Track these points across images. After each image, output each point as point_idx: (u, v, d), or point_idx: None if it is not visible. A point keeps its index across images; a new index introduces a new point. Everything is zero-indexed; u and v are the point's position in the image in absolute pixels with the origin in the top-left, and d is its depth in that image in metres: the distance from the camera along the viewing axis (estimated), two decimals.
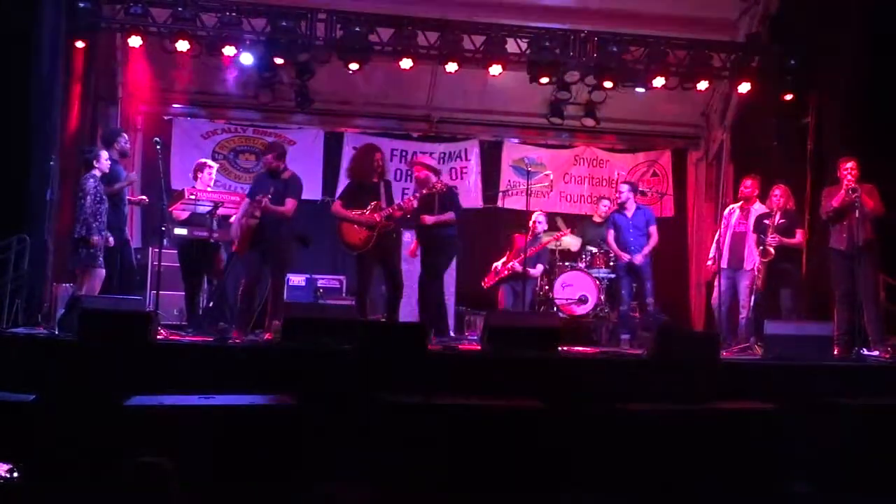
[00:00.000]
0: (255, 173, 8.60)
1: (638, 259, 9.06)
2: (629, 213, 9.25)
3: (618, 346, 8.78)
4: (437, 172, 8.40)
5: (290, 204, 7.78)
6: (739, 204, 8.71)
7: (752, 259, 8.38)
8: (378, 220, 7.55)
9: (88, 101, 9.08)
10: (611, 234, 9.33)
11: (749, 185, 8.70)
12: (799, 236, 8.25)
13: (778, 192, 8.30)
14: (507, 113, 11.25)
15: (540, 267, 9.51)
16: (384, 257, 7.75)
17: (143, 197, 8.13)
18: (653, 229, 9.27)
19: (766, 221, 8.19)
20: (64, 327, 6.70)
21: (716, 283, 8.71)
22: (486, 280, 9.82)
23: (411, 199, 7.85)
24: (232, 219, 8.03)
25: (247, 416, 5.06)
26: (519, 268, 9.12)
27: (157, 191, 8.07)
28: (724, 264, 8.53)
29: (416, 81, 10.42)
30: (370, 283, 7.97)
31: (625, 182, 9.77)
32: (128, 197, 8.41)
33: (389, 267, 7.81)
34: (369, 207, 7.59)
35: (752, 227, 8.42)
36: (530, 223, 9.47)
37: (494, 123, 11.40)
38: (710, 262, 9.00)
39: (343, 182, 10.90)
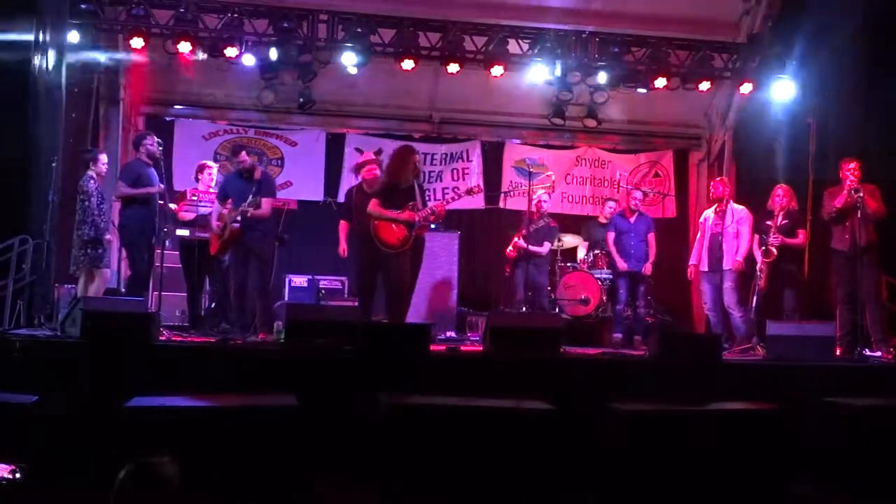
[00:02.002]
0: (227, 174, 8.54)
1: (647, 269, 9.11)
2: (632, 219, 9.22)
3: (623, 346, 8.78)
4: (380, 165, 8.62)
5: (267, 204, 7.80)
6: (714, 207, 8.70)
7: (732, 259, 8.38)
8: (418, 220, 7.49)
9: (90, 102, 9.11)
10: (611, 236, 9.32)
11: (719, 186, 8.72)
12: (801, 236, 8.24)
13: (781, 192, 8.28)
14: (509, 114, 11.24)
15: (547, 245, 9.42)
16: (415, 258, 7.71)
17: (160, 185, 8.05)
18: (651, 237, 9.27)
19: (769, 222, 8.18)
20: (66, 328, 6.70)
21: (701, 287, 8.76)
22: (509, 250, 9.60)
23: (443, 202, 7.88)
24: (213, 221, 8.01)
25: (249, 417, 5.05)
26: (522, 244, 9.15)
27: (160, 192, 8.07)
28: (704, 268, 8.57)
29: (417, 82, 10.41)
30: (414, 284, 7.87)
31: (639, 190, 9.71)
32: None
33: (417, 268, 7.81)
34: (405, 208, 7.51)
35: (727, 226, 8.44)
36: (535, 202, 9.44)
37: (496, 124, 11.40)
38: (691, 266, 8.96)
39: (345, 182, 10.96)
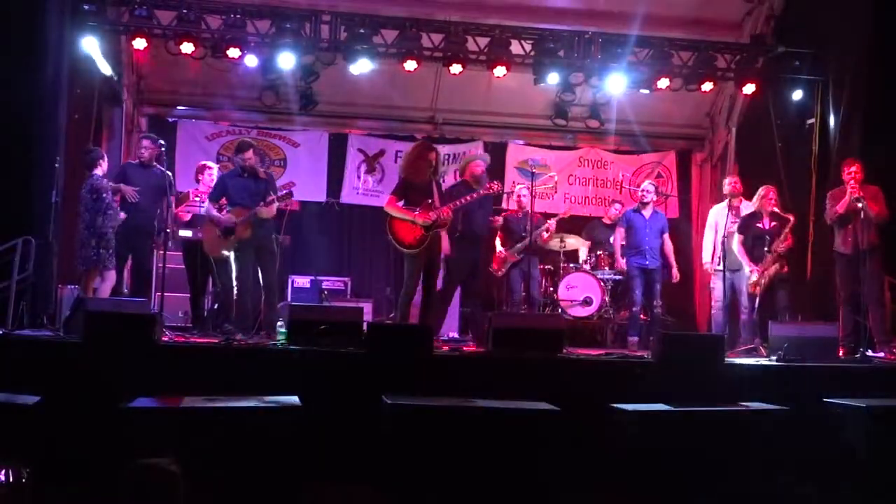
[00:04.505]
0: (225, 173, 8.55)
1: (675, 276, 9.07)
2: (647, 214, 9.13)
3: (624, 346, 8.75)
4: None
5: (274, 204, 7.77)
6: (726, 202, 8.62)
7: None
8: (434, 219, 7.37)
9: (92, 102, 9.11)
10: (620, 233, 9.19)
11: (736, 183, 8.69)
12: (788, 239, 8.17)
13: (772, 195, 8.28)
14: (512, 114, 11.25)
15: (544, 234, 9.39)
16: (431, 258, 7.55)
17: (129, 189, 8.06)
18: (666, 237, 9.19)
19: (759, 224, 8.19)
20: (69, 329, 6.70)
21: (713, 285, 8.71)
22: (494, 266, 9.32)
23: (449, 206, 7.66)
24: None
25: (252, 417, 5.05)
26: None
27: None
28: (721, 266, 8.49)
29: (420, 83, 10.42)
30: (418, 285, 7.61)
31: (649, 181, 9.61)
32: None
33: (435, 268, 7.63)
34: (422, 207, 7.40)
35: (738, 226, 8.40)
36: (514, 198, 9.38)
37: (498, 125, 11.42)
38: (706, 265, 8.93)
39: (349, 182, 10.99)
